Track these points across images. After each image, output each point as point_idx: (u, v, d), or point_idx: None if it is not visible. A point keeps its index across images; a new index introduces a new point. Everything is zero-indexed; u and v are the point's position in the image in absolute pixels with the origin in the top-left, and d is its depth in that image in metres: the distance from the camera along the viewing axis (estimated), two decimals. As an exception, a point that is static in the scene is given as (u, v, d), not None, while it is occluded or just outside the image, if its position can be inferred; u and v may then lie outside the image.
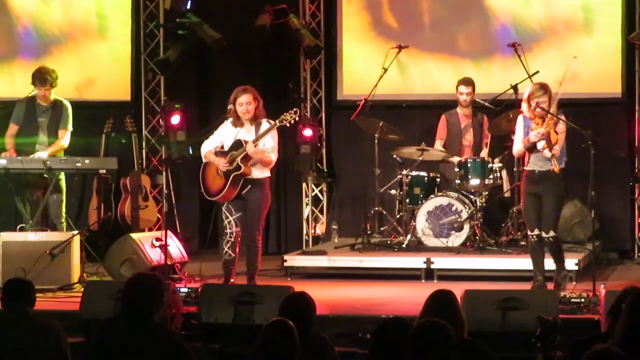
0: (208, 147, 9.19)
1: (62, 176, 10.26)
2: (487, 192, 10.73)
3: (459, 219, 10.50)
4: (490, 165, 10.60)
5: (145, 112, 12.32)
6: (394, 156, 10.98)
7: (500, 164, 10.67)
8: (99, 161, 10.70)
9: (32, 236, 9.87)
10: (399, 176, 10.92)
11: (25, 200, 10.33)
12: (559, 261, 9.07)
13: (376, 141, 10.95)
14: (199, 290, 8.39)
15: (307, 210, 12.32)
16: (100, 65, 12.42)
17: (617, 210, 11.59)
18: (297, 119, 9.22)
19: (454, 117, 11.06)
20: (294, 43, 12.04)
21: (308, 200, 12.33)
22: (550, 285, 8.93)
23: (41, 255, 9.48)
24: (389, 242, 10.98)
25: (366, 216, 11.13)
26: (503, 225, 10.75)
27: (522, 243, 10.50)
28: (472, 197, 10.70)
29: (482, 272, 9.94)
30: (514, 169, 10.51)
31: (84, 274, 9.84)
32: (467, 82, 10.96)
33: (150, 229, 11.51)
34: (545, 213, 8.90)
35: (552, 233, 8.88)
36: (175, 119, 11.74)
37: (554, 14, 11.72)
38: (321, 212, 12.43)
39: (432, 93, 11.98)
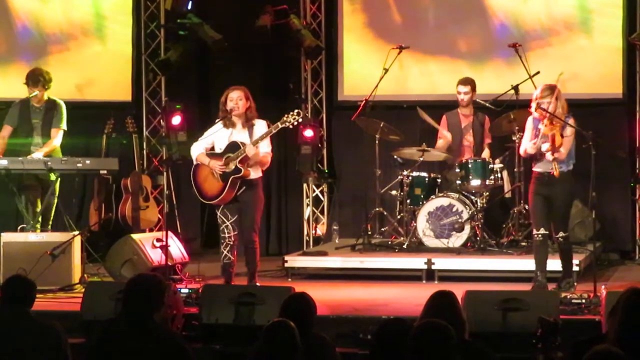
0: (199, 149, 9.15)
1: (54, 177, 10.26)
2: (487, 193, 10.72)
3: (459, 220, 10.49)
4: (491, 165, 10.59)
5: (146, 112, 12.32)
6: (395, 157, 10.98)
7: (501, 165, 10.67)
8: (100, 162, 10.69)
9: (32, 237, 9.87)
10: (399, 177, 10.91)
11: (27, 201, 10.33)
12: (567, 265, 9.09)
13: (377, 142, 10.95)
14: (200, 291, 8.39)
15: (307, 211, 12.32)
16: (101, 65, 12.42)
17: (618, 210, 11.58)
18: (300, 120, 9.19)
19: (455, 117, 11.06)
20: (295, 43, 12.05)
21: (309, 201, 12.33)
22: (551, 286, 8.94)
23: (42, 255, 9.48)
24: (389, 242, 10.97)
25: (367, 217, 11.12)
26: (504, 226, 10.74)
27: (523, 244, 10.51)
28: (472, 197, 10.70)
29: (483, 273, 9.93)
30: (515, 170, 10.51)
31: (85, 275, 9.84)
32: (466, 81, 10.96)
33: (151, 230, 11.51)
34: (556, 214, 8.97)
35: (561, 233, 8.93)
36: (176, 120, 11.73)
37: (555, 15, 11.72)
38: (322, 212, 12.43)
39: (432, 93, 11.98)
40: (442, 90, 11.83)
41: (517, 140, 10.33)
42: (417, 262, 10.17)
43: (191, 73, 12.60)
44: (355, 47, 12.26)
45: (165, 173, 11.54)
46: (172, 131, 11.75)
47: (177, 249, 10.29)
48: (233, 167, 8.95)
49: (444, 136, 10.99)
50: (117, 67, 12.42)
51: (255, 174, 9.08)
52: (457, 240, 10.49)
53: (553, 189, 8.89)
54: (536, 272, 9.00)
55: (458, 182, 10.68)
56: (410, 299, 8.81)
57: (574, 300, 8.10)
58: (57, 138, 10.34)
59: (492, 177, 10.57)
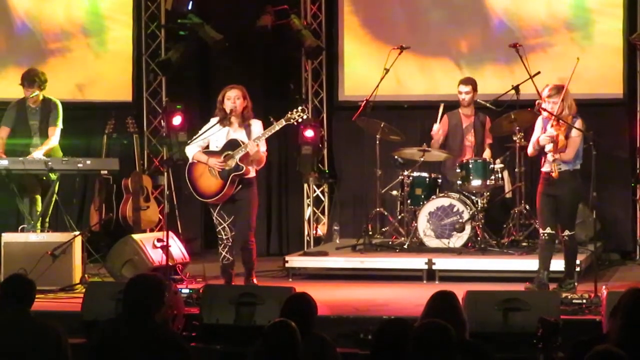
0: (195, 148, 9.13)
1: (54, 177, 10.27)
2: (488, 193, 10.72)
3: (460, 220, 10.49)
4: (491, 166, 10.59)
5: (146, 112, 12.32)
6: (396, 157, 10.98)
7: (502, 165, 10.67)
8: (101, 162, 10.70)
9: (33, 237, 9.88)
10: (400, 177, 10.91)
11: (28, 201, 10.33)
12: (570, 265, 9.10)
13: (377, 142, 10.95)
14: (201, 291, 8.39)
15: (308, 211, 12.32)
16: (101, 66, 12.43)
17: (618, 211, 11.58)
18: (304, 117, 9.20)
19: (456, 117, 11.06)
20: (296, 44, 12.05)
21: (309, 201, 12.33)
22: (552, 286, 8.95)
23: (43, 256, 9.48)
24: (390, 243, 10.97)
25: (367, 217, 11.12)
26: (505, 226, 10.74)
27: (524, 244, 10.52)
28: (473, 198, 10.70)
29: (483, 273, 9.93)
30: (516, 170, 10.51)
31: (86, 275, 9.84)
32: (467, 81, 10.96)
33: (151, 230, 11.51)
34: (562, 213, 8.99)
35: (567, 232, 8.96)
36: (177, 120, 11.73)
37: (556, 15, 11.72)
38: (322, 213, 12.42)
39: (433, 94, 11.97)
40: (443, 90, 11.83)
41: (517, 141, 10.34)
42: (417, 262, 10.17)
43: (192, 73, 12.60)
44: (356, 47, 12.26)
45: (165, 173, 11.53)
46: (173, 131, 11.75)
47: (177, 249, 10.29)
48: (233, 164, 8.94)
49: (435, 132, 10.95)
50: (117, 67, 12.42)
51: (252, 173, 9.08)
52: (458, 240, 10.49)
53: (559, 188, 8.91)
54: (539, 270, 9.02)
55: (459, 182, 10.68)
56: (411, 299, 8.80)
57: (574, 301, 8.10)
58: (54, 136, 10.35)
59: (492, 177, 10.58)
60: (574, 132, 8.86)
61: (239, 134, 9.02)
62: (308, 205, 12.33)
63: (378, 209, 11.15)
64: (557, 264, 9.20)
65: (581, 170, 9.03)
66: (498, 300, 7.49)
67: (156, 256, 9.88)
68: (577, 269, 9.47)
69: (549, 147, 8.81)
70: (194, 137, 9.22)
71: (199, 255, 11.50)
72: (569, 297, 8.22)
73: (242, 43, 12.09)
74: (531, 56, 10.84)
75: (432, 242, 10.54)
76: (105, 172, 10.51)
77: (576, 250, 9.29)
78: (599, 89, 11.44)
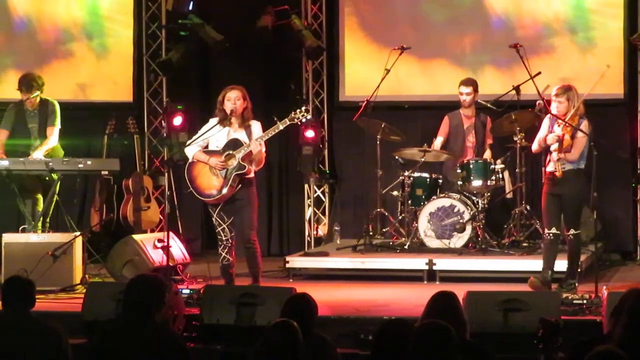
0: (195, 148, 9.13)
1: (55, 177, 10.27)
2: (489, 194, 10.73)
3: (461, 220, 10.49)
4: (492, 166, 10.60)
5: (147, 113, 12.32)
6: (396, 157, 10.98)
7: (502, 165, 10.67)
8: (101, 162, 10.70)
9: (34, 237, 9.88)
10: (401, 177, 10.91)
11: (29, 201, 10.33)
12: (572, 266, 9.11)
13: (378, 142, 10.95)
14: (201, 291, 8.39)
15: (309, 212, 12.32)
16: (102, 66, 12.43)
17: (619, 211, 11.59)
18: (308, 117, 9.20)
19: (457, 118, 11.06)
20: (296, 44, 12.05)
21: (310, 202, 12.32)
22: (553, 286, 8.96)
23: (43, 256, 9.48)
24: (391, 243, 10.97)
25: (368, 217, 11.13)
26: (505, 226, 10.74)
27: (525, 244, 10.52)
28: (474, 198, 10.70)
29: (484, 274, 9.93)
30: (516, 170, 10.51)
31: (86, 275, 9.84)
32: (468, 82, 10.97)
33: (152, 231, 11.51)
34: (566, 212, 9.03)
35: (572, 231, 8.99)
36: (177, 120, 11.74)
37: (557, 15, 11.73)
38: (323, 213, 12.42)
39: (434, 94, 11.98)
40: (444, 91, 11.83)
41: (518, 141, 10.34)
42: (418, 262, 10.17)
43: (192, 74, 12.61)
44: (357, 47, 12.27)
45: (166, 174, 11.53)
46: (174, 132, 11.76)
47: (178, 249, 10.29)
48: (235, 163, 8.94)
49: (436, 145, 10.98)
50: (118, 68, 12.43)
51: (252, 173, 9.08)
52: (459, 240, 10.49)
53: (563, 187, 8.94)
54: (543, 269, 9.03)
55: (459, 182, 10.68)
56: (412, 299, 8.81)
57: (575, 301, 8.11)
58: (53, 136, 10.35)
59: (493, 177, 10.58)
60: (580, 133, 8.88)
61: (240, 135, 9.02)
62: (309, 205, 12.33)
63: (379, 210, 11.14)
64: (559, 265, 9.20)
65: (582, 171, 9.04)
66: (498, 301, 7.50)
67: (157, 256, 9.88)
68: (578, 269, 9.47)
69: (554, 146, 8.82)
70: (194, 137, 9.22)
71: (200, 256, 11.50)
72: (570, 297, 8.23)
73: (242, 43, 12.09)
74: (532, 56, 10.83)
75: (432, 242, 10.55)
76: (106, 172, 10.51)
77: (580, 251, 9.30)
78: (600, 89, 11.33)
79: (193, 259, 10.68)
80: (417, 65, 12.01)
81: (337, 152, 12.49)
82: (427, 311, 5.50)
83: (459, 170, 10.70)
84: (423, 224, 10.58)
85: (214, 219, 9.15)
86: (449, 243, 10.50)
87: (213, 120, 9.11)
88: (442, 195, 10.73)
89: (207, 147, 9.11)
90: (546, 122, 9.12)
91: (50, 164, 10.04)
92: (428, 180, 10.91)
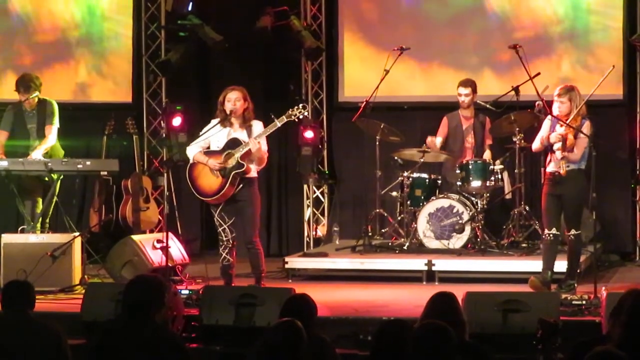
0: (195, 149, 9.14)
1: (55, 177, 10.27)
2: (488, 194, 10.72)
3: (460, 221, 10.50)
4: (491, 167, 10.60)
5: (146, 113, 12.33)
6: (395, 158, 10.99)
7: (502, 166, 10.67)
8: (100, 163, 10.70)
9: (33, 238, 9.87)
10: (400, 178, 10.92)
11: (28, 202, 10.33)
12: (572, 266, 9.12)
13: (377, 143, 10.95)
14: (200, 292, 8.39)
15: (308, 212, 12.32)
16: (101, 66, 12.43)
17: (618, 212, 11.59)
18: (305, 114, 9.21)
19: (456, 118, 11.07)
20: (295, 45, 12.05)
21: (309, 202, 12.33)
22: (553, 287, 8.96)
23: (42, 257, 9.48)
24: (390, 244, 10.97)
25: (367, 218, 11.13)
26: (504, 227, 10.74)
27: (524, 245, 10.51)
28: (473, 199, 10.70)
29: (483, 274, 9.93)
30: (515, 171, 10.51)
31: (85, 276, 9.84)
32: (466, 83, 10.96)
33: (151, 231, 11.51)
34: (567, 212, 9.04)
35: (573, 231, 8.99)
36: (177, 121, 11.73)
37: (556, 16, 11.73)
38: (322, 214, 12.43)
39: (433, 95, 11.99)
40: (443, 91, 11.84)
41: (517, 142, 10.34)
42: (417, 263, 10.17)
43: (191, 74, 12.61)
44: (356, 48, 12.27)
45: (165, 174, 11.52)
46: (173, 132, 11.76)
47: (177, 250, 10.29)
48: (234, 162, 8.94)
49: (430, 142, 10.96)
50: (117, 68, 12.43)
51: (252, 172, 9.08)
52: (458, 241, 10.50)
53: (564, 187, 8.94)
54: (543, 269, 9.04)
55: (458, 183, 10.69)
56: (411, 300, 8.81)
57: (574, 302, 8.11)
58: (51, 135, 10.35)
59: (492, 178, 10.58)
60: (580, 135, 8.88)
61: (240, 135, 9.03)
62: (308, 206, 12.33)
63: (378, 210, 11.15)
64: (559, 265, 9.20)
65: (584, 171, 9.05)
66: (497, 302, 7.50)
67: (156, 257, 9.88)
68: (578, 270, 9.47)
69: (557, 145, 8.82)
70: (196, 140, 9.23)
71: (199, 256, 11.50)
72: (569, 298, 8.23)
73: (242, 44, 12.09)
74: (531, 57, 10.83)
75: (431, 243, 10.55)
76: (105, 173, 10.51)
77: (580, 251, 9.31)
78: (599, 90, 11.35)
79: (192, 259, 10.68)
80: (416, 66, 12.01)
81: (337, 152, 12.49)
82: (426, 312, 5.50)
83: (458, 171, 10.70)
84: (422, 225, 10.58)
85: (215, 219, 9.15)
86: (448, 244, 10.50)
87: (214, 121, 9.12)
88: (441, 195, 10.73)
89: (209, 147, 9.11)
90: (547, 122, 9.12)
91: (50, 164, 10.04)
92: (427, 180, 10.91)
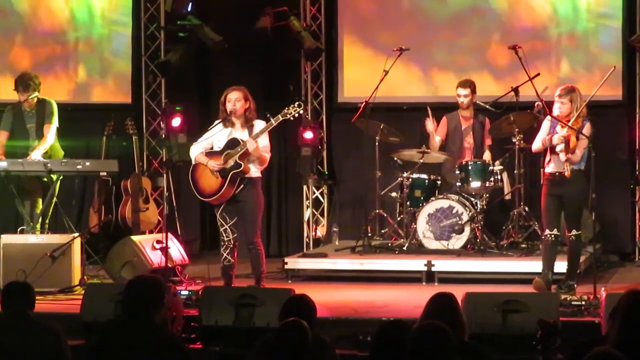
0: (198, 150, 9.16)
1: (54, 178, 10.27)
2: (487, 195, 10.73)
3: (459, 222, 10.50)
4: (490, 167, 10.60)
5: (146, 114, 12.32)
6: (395, 158, 10.99)
7: (501, 167, 10.67)
8: (100, 163, 10.70)
9: (32, 238, 9.88)
10: (399, 179, 10.92)
11: (27, 202, 10.33)
12: (572, 267, 9.13)
13: (377, 143, 10.95)
14: (200, 292, 8.39)
15: (307, 213, 12.32)
16: (100, 67, 12.43)
17: (617, 212, 11.59)
18: (300, 112, 9.21)
19: (455, 119, 11.06)
20: (295, 45, 12.05)
21: (309, 203, 12.33)
22: (553, 287, 8.97)
23: (42, 257, 9.48)
24: (389, 244, 10.97)
25: (367, 219, 11.12)
26: (504, 227, 10.74)
27: (523, 246, 10.51)
28: (472, 199, 10.70)
29: (483, 275, 9.93)
30: (515, 171, 10.51)
31: (85, 277, 9.83)
32: (465, 84, 10.96)
33: (151, 232, 11.51)
34: (568, 212, 9.05)
35: (574, 232, 9.01)
36: (176, 122, 11.75)
37: (556, 17, 11.73)
38: (322, 214, 12.43)
39: (433, 95, 11.99)
40: (442, 92, 11.85)
41: (517, 142, 10.34)
42: (417, 264, 10.17)
43: (191, 75, 12.60)
44: (355, 49, 12.27)
45: (165, 175, 11.52)
46: (172, 133, 11.77)
47: (176, 250, 10.29)
48: (232, 162, 8.95)
49: (430, 129, 10.97)
50: (117, 69, 12.43)
51: (254, 172, 9.07)
52: (457, 242, 10.50)
53: (565, 188, 8.95)
54: (544, 270, 9.04)
55: (458, 183, 10.69)
56: (410, 300, 8.80)
57: (573, 302, 8.11)
58: (50, 134, 10.35)
59: (492, 178, 10.58)
60: (582, 135, 8.89)
61: (241, 135, 9.03)
62: (307, 206, 12.33)
63: (377, 211, 11.15)
64: (558, 266, 9.21)
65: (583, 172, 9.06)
66: (497, 302, 7.49)
67: (155, 258, 9.88)
68: (578, 270, 9.48)
69: (560, 147, 8.82)
70: (199, 139, 9.25)
71: (198, 257, 11.50)
72: (568, 298, 8.23)
73: (241, 44, 12.09)
74: (530, 58, 10.82)
75: (431, 243, 10.55)
76: (105, 173, 10.50)
77: (580, 252, 9.31)
78: (598, 90, 11.42)
79: (192, 260, 10.67)
80: (416, 67, 12.01)
81: (336, 153, 12.49)
82: (425, 312, 5.50)
83: (457, 172, 10.70)
84: (422, 225, 10.59)
85: (217, 219, 9.16)
86: (448, 244, 10.50)
87: (217, 122, 9.13)
88: (440, 196, 10.73)
89: (212, 148, 9.13)
90: (547, 123, 9.12)
91: (49, 165, 10.04)
92: (427, 181, 10.91)
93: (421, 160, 10.78)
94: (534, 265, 9.53)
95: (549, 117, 9.07)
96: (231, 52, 11.98)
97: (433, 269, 10.06)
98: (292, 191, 12.52)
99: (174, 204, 11.69)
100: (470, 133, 11.02)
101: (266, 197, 12.20)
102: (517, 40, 11.29)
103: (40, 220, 10.27)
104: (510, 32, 11.73)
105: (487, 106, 10.97)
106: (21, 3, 12.46)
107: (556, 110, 9.01)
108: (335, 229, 11.96)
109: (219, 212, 9.11)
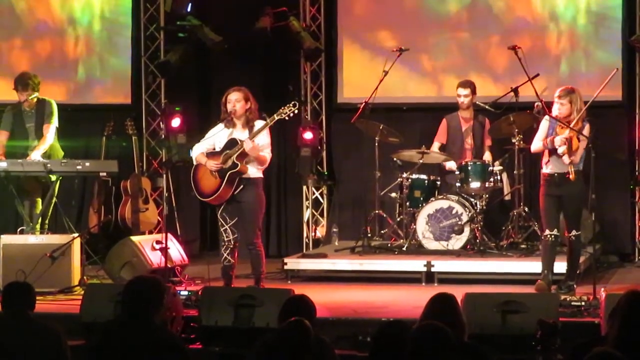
0: (199, 149, 9.16)
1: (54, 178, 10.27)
2: (487, 195, 10.73)
3: (459, 222, 10.50)
4: (490, 168, 10.60)
5: (145, 114, 12.32)
6: (394, 159, 10.99)
7: (501, 167, 10.67)
8: (100, 164, 10.69)
9: (32, 239, 9.87)
10: (399, 179, 10.92)
11: (27, 203, 10.33)
12: (572, 267, 9.14)
13: (376, 144, 10.95)
14: (199, 293, 8.39)
15: (307, 213, 12.32)
16: (100, 67, 12.43)
17: (617, 213, 11.59)
18: (296, 112, 9.21)
19: (455, 120, 11.06)
20: (295, 46, 12.05)
21: (308, 203, 12.33)
22: (553, 288, 8.98)
23: (41, 258, 9.47)
24: (389, 245, 10.97)
25: (366, 219, 11.12)
26: (503, 228, 10.74)
27: (523, 246, 10.51)
28: (472, 200, 10.70)
29: (482, 275, 9.93)
30: (515, 172, 10.51)
31: (84, 277, 9.83)
32: (465, 84, 10.96)
33: (150, 232, 11.51)
34: (568, 213, 9.07)
35: (574, 232, 9.02)
36: (176, 122, 11.75)
37: (555, 17, 11.73)
38: (321, 215, 12.43)
39: (432, 96, 11.99)
40: (442, 92, 11.84)
41: (516, 143, 10.34)
42: (416, 264, 10.17)
43: (191, 75, 12.60)
44: (355, 49, 12.27)
45: (164, 175, 11.52)
46: (172, 133, 11.77)
47: (176, 251, 10.28)
48: (230, 163, 8.95)
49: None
50: (116, 69, 12.43)
51: (255, 173, 9.06)
52: (457, 242, 10.50)
53: (564, 188, 8.95)
54: (543, 270, 9.04)
55: (457, 184, 10.69)
56: (410, 301, 8.80)
57: (573, 303, 8.10)
58: (49, 134, 10.35)
59: (491, 179, 10.58)
60: (582, 137, 8.89)
61: (242, 135, 9.03)
62: (307, 207, 12.33)
63: (377, 211, 11.15)
64: (558, 266, 9.21)
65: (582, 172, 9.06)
66: (497, 303, 7.49)
67: (155, 258, 9.87)
68: (577, 271, 9.48)
69: (562, 149, 8.81)
70: (202, 139, 9.26)
71: (198, 257, 11.50)
72: (568, 299, 8.22)
73: (241, 45, 12.09)
74: (530, 58, 10.83)
75: (430, 244, 10.55)
76: (104, 174, 10.50)
77: (580, 252, 9.32)
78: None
79: (191, 260, 10.67)
80: (415, 67, 12.02)
81: (336, 153, 12.49)
82: (425, 313, 5.50)
83: (457, 172, 10.70)
84: (421, 226, 10.59)
85: (218, 219, 9.16)
86: (447, 245, 10.51)
87: (220, 124, 9.14)
88: (440, 197, 10.73)
89: (214, 149, 9.13)
90: (545, 123, 9.12)
91: (49, 165, 10.04)
92: (426, 182, 10.91)
93: (421, 161, 10.78)
94: (533, 265, 9.53)
95: (547, 117, 9.06)
96: (231, 52, 11.98)
97: (433, 269, 10.06)
98: (292, 192, 12.52)
99: (174, 205, 11.69)
100: (470, 134, 11.01)
101: (266, 197, 12.24)
102: (516, 40, 11.30)
103: (39, 220, 10.27)
104: (510, 33, 11.73)
105: (487, 107, 10.97)
106: (20, 3, 12.46)
107: (555, 111, 9.01)
108: (334, 230, 11.96)
109: (220, 212, 9.12)
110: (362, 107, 10.90)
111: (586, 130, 8.93)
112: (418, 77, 12.09)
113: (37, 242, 9.78)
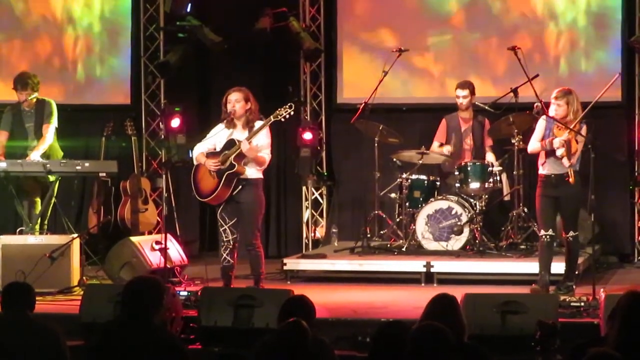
0: (200, 150, 9.17)
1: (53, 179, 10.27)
2: (486, 196, 10.72)
3: (458, 223, 10.50)
4: (490, 168, 10.60)
5: (145, 115, 12.32)
6: (394, 159, 10.99)
7: (500, 168, 10.67)
8: (99, 164, 10.69)
9: (31, 239, 9.87)
10: (398, 180, 10.92)
11: (26, 203, 10.32)
12: (570, 268, 9.12)
13: (376, 144, 10.95)
14: (199, 293, 8.38)
15: (307, 214, 12.32)
16: (100, 68, 12.43)
17: (617, 213, 11.59)
18: (292, 113, 9.20)
19: (455, 120, 11.06)
20: (294, 46, 12.06)
21: (308, 204, 12.33)
22: (551, 288, 8.97)
23: (41, 258, 9.47)
24: (388, 245, 10.97)
25: (366, 220, 11.12)
26: (503, 229, 10.74)
27: (522, 247, 10.51)
28: (472, 200, 10.70)
29: (482, 276, 9.93)
30: (514, 172, 10.51)
31: (84, 277, 9.83)
32: (464, 85, 10.95)
33: (150, 232, 11.51)
34: (565, 214, 9.05)
35: (572, 233, 9.00)
36: (175, 122, 11.74)
37: (555, 18, 11.74)
38: (321, 215, 12.43)
39: (432, 96, 11.99)
40: (441, 93, 11.84)
41: (516, 143, 10.34)
42: (416, 265, 10.17)
43: (190, 75, 12.60)
44: (355, 50, 12.27)
45: (164, 175, 11.54)
46: (171, 134, 11.77)
47: (176, 251, 10.28)
48: (228, 163, 8.95)
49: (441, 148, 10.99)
50: (116, 70, 12.43)
51: (254, 173, 9.06)
52: (456, 243, 10.49)
53: (561, 189, 8.94)
54: (541, 272, 9.04)
55: (457, 185, 10.69)
56: (409, 301, 8.81)
57: (572, 303, 8.10)
58: (49, 134, 10.34)
59: (491, 180, 10.58)
60: (579, 138, 8.89)
61: (242, 136, 9.03)
62: (306, 207, 12.33)
63: (376, 212, 11.15)
64: (556, 267, 9.20)
65: (580, 173, 9.04)
66: (496, 303, 7.50)
67: (154, 258, 9.87)
68: (576, 271, 9.48)
69: (561, 151, 8.81)
70: (203, 140, 9.26)
71: (198, 258, 11.50)
72: (567, 300, 8.23)
73: (241, 45, 12.09)
74: (530, 59, 10.83)
75: (430, 244, 10.55)
76: (104, 174, 10.50)
77: (578, 252, 9.31)
78: (597, 91, 11.42)
79: (191, 261, 10.67)
80: (415, 68, 12.02)
81: (335, 154, 12.49)
82: (425, 313, 5.50)
83: (456, 173, 10.70)
84: (421, 226, 10.59)
85: (217, 219, 9.16)
86: (447, 245, 10.50)
87: (221, 125, 9.15)
88: (439, 197, 10.73)
89: (215, 149, 9.13)
90: (542, 123, 9.11)
91: (48, 165, 10.03)
92: (426, 182, 10.91)
93: (420, 161, 10.78)
94: (533, 266, 9.52)
95: (543, 117, 9.05)
96: (231, 52, 11.98)
97: (432, 270, 10.06)
98: (291, 192, 12.52)
99: (173, 205, 11.69)
100: (469, 134, 11.01)
101: (265, 198, 12.23)
102: (516, 41, 11.31)
103: (39, 220, 10.27)
104: (510, 33, 11.73)
105: (487, 107, 10.97)
106: (19, 3, 12.46)
107: (552, 112, 9.00)
108: (334, 230, 11.97)
109: (219, 212, 9.12)
110: (361, 107, 10.89)
111: (583, 131, 8.93)
112: (418, 77, 12.09)
113: (37, 242, 9.78)
